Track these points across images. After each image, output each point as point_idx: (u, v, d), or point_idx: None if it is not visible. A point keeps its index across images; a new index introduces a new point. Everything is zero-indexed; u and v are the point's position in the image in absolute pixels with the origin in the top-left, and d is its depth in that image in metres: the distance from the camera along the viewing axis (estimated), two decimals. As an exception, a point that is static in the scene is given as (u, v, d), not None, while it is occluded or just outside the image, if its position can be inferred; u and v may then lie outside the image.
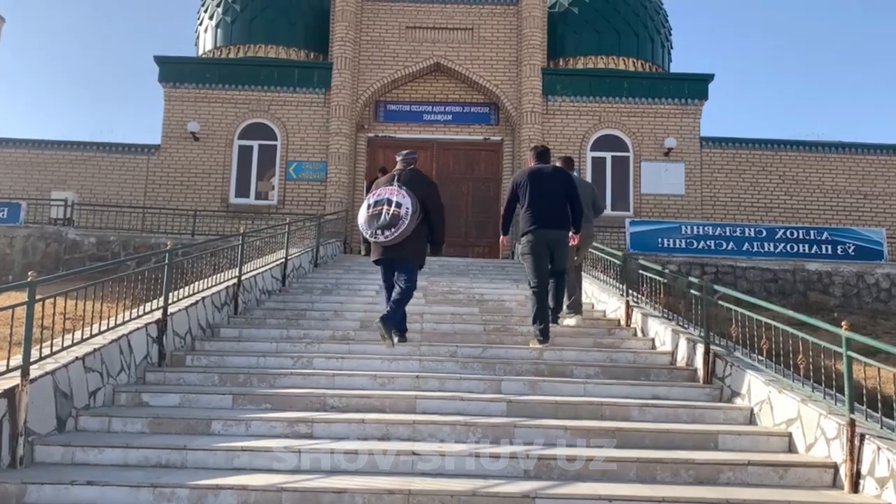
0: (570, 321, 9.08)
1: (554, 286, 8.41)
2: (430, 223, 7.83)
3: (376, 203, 7.67)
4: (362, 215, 7.76)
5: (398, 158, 8.14)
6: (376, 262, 7.97)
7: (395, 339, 7.69)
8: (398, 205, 7.57)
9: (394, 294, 7.74)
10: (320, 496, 4.78)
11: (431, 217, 7.81)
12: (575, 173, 9.49)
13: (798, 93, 53.52)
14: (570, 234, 8.27)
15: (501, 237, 8.84)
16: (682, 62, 44.83)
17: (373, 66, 19.62)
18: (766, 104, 53.19)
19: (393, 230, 7.53)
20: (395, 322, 7.66)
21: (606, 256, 11.26)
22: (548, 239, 8.10)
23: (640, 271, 9.71)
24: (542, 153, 8.52)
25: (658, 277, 9.31)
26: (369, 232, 7.66)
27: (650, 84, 19.72)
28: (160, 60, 19.73)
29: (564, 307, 9.01)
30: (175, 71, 19.67)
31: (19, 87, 51.07)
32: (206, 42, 21.18)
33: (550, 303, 8.35)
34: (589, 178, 19.17)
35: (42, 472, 5.04)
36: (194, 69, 19.82)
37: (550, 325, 8.23)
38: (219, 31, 20.79)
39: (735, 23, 55.13)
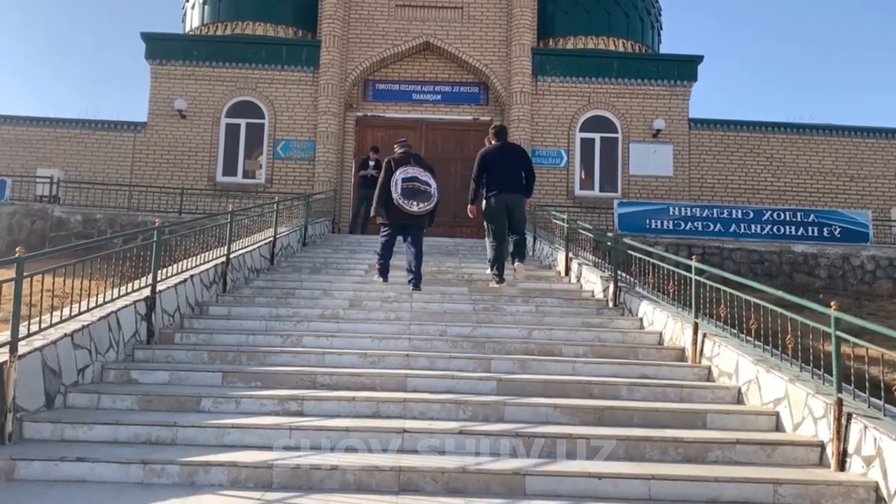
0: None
1: (516, 245, 10.08)
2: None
3: (408, 179, 9.64)
4: (396, 187, 9.57)
5: (397, 147, 10.16)
6: (391, 227, 9.79)
7: (418, 290, 9.60)
8: (427, 184, 9.71)
9: (414, 259, 9.67)
10: (311, 473, 4.80)
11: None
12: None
13: (787, 80, 53.63)
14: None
15: (470, 205, 10.32)
16: (671, 43, 44.79)
17: (362, 45, 19.48)
18: (754, 89, 53.27)
19: (426, 203, 9.66)
20: (419, 277, 9.67)
21: (594, 237, 11.28)
22: (507, 201, 9.87)
23: (629, 251, 9.74)
24: (500, 132, 10.27)
25: (646, 258, 9.34)
26: (406, 202, 9.56)
27: (640, 65, 19.67)
28: (147, 37, 19.50)
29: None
30: (162, 48, 19.45)
31: (3, 63, 50.51)
32: (193, 19, 20.95)
33: (514, 254, 10.05)
34: (577, 160, 19.24)
35: (31, 448, 5.04)
36: (181, 46, 19.60)
37: (505, 273, 10.03)
38: (206, 7, 20.56)
39: (725, 6, 55.07)
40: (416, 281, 9.66)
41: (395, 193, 9.57)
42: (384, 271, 10.06)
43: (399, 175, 9.64)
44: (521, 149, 10.46)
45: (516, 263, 10.12)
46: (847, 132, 19.77)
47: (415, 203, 9.58)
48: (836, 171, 19.51)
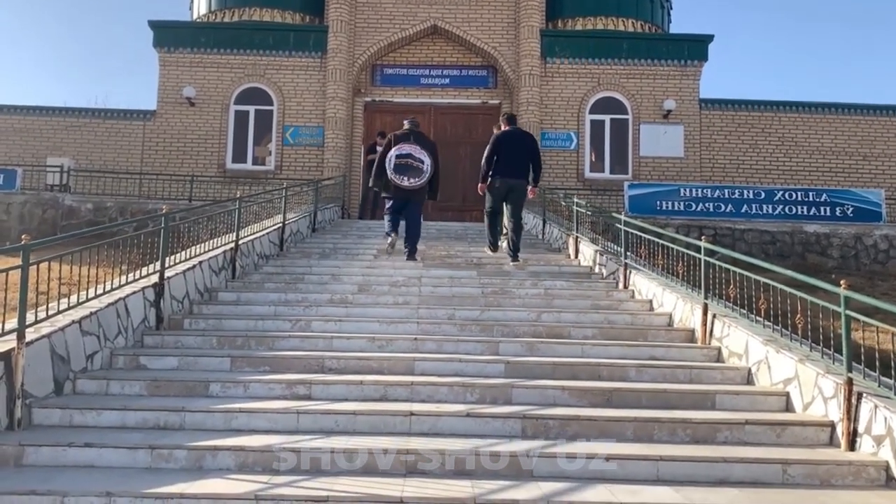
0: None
1: (512, 232, 10.50)
2: (433, 178, 10.55)
3: (402, 156, 10.41)
4: (390, 164, 10.42)
5: (406, 122, 11.01)
6: (393, 199, 10.64)
7: (414, 260, 10.49)
8: (420, 161, 10.41)
9: (410, 231, 10.62)
10: (318, 456, 4.79)
11: (435, 173, 10.57)
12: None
13: (799, 54, 53.09)
14: (529, 188, 10.54)
15: (481, 184, 10.78)
16: (681, 23, 44.33)
17: (369, 29, 19.40)
18: (766, 66, 52.78)
19: (416, 179, 10.40)
20: (413, 251, 10.56)
21: (605, 219, 11.23)
22: (508, 184, 10.39)
23: (639, 233, 9.68)
24: (511, 118, 10.96)
25: (656, 239, 9.29)
26: (397, 177, 10.39)
27: (649, 45, 19.51)
28: (154, 25, 19.49)
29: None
30: (170, 36, 19.44)
31: (14, 53, 50.64)
32: (200, 6, 20.91)
33: (510, 247, 10.49)
34: (587, 142, 19.14)
35: (40, 434, 5.06)
36: (189, 34, 19.59)
37: (513, 261, 10.49)
38: (213, -6, 20.53)
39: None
40: (410, 253, 10.56)
41: (389, 170, 10.43)
42: (393, 232, 10.80)
43: (393, 152, 10.47)
44: (532, 137, 10.94)
45: (511, 264, 10.42)
46: (859, 110, 19.56)
47: (405, 178, 10.39)
48: (849, 150, 19.32)
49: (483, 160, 10.55)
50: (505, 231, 10.91)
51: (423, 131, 11.15)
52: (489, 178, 10.50)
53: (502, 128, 10.73)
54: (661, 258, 9.18)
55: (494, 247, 10.98)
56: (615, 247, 10.47)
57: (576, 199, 12.14)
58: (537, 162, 10.54)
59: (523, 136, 10.68)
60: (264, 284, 9.40)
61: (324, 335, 7.25)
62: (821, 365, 5.71)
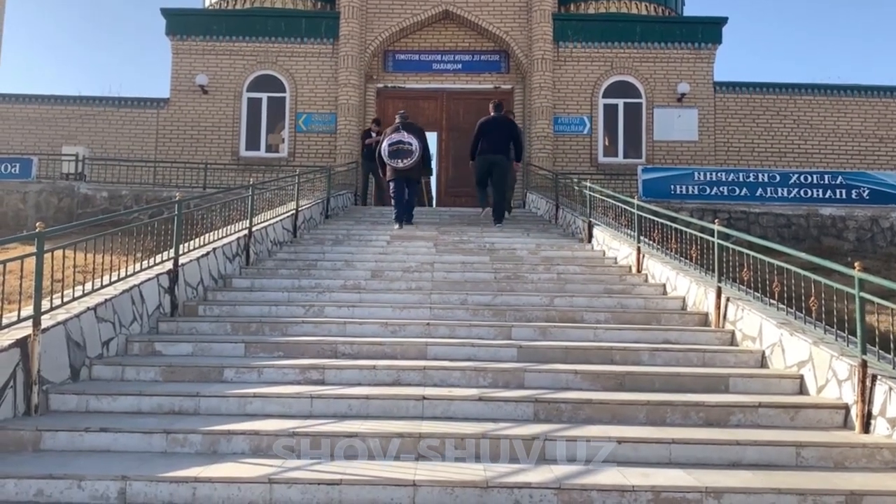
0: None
1: (495, 200, 12.91)
2: (424, 156, 12.51)
3: (392, 143, 12.16)
4: (385, 152, 12.22)
5: (397, 117, 12.64)
6: (393, 180, 12.38)
7: (410, 224, 12.47)
8: (409, 143, 12.10)
9: (407, 200, 12.49)
10: (332, 440, 4.82)
11: (424, 152, 12.53)
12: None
13: (814, 34, 52.56)
14: (514, 163, 12.96)
15: (472, 161, 12.94)
16: (694, 6, 43.92)
17: (381, 15, 19.33)
18: (781, 47, 52.29)
19: (409, 159, 12.13)
20: (410, 217, 12.58)
21: (618, 203, 11.19)
22: (490, 160, 12.61)
23: (653, 217, 9.65)
24: (498, 105, 13.04)
25: (670, 223, 9.25)
26: (392, 161, 12.17)
27: (663, 28, 19.34)
28: (167, 13, 19.49)
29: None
30: (182, 23, 19.44)
31: (28, 42, 50.83)
32: (212, -7, 20.91)
33: (494, 213, 12.85)
34: (601, 126, 19.03)
35: (57, 419, 5.12)
36: (201, 21, 19.58)
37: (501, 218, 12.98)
38: (225, -19, 20.50)
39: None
40: (408, 218, 12.52)
41: (385, 157, 12.24)
42: (399, 218, 12.45)
43: (385, 142, 12.30)
44: (509, 120, 13.19)
45: (495, 225, 12.73)
46: (876, 92, 19.35)
47: (399, 161, 12.15)
48: (865, 132, 19.13)
49: (471, 140, 12.77)
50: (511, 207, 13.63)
51: (412, 121, 12.92)
52: (477, 155, 12.67)
53: (490, 113, 12.80)
54: (674, 242, 9.14)
55: (483, 204, 13.44)
56: (629, 231, 10.44)
57: (589, 184, 12.11)
58: (518, 142, 12.81)
59: (501, 120, 12.79)
60: (278, 271, 9.43)
61: (337, 321, 7.28)
62: (835, 347, 5.69)
